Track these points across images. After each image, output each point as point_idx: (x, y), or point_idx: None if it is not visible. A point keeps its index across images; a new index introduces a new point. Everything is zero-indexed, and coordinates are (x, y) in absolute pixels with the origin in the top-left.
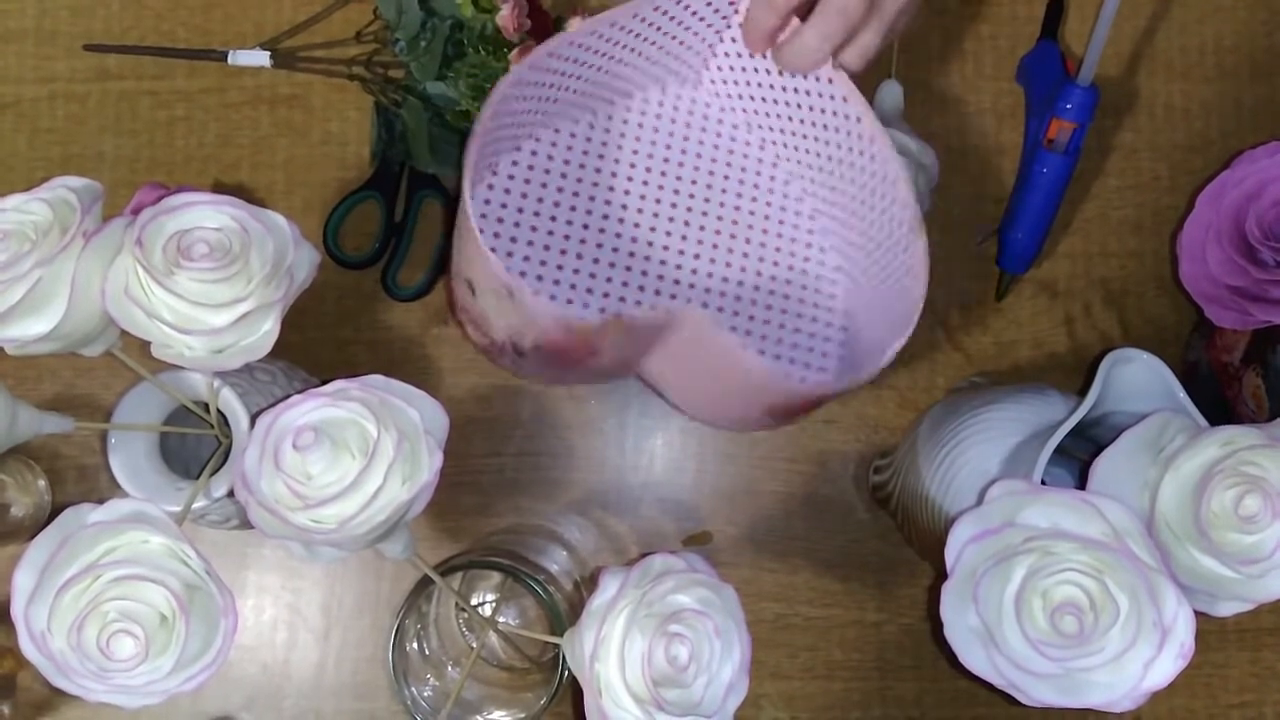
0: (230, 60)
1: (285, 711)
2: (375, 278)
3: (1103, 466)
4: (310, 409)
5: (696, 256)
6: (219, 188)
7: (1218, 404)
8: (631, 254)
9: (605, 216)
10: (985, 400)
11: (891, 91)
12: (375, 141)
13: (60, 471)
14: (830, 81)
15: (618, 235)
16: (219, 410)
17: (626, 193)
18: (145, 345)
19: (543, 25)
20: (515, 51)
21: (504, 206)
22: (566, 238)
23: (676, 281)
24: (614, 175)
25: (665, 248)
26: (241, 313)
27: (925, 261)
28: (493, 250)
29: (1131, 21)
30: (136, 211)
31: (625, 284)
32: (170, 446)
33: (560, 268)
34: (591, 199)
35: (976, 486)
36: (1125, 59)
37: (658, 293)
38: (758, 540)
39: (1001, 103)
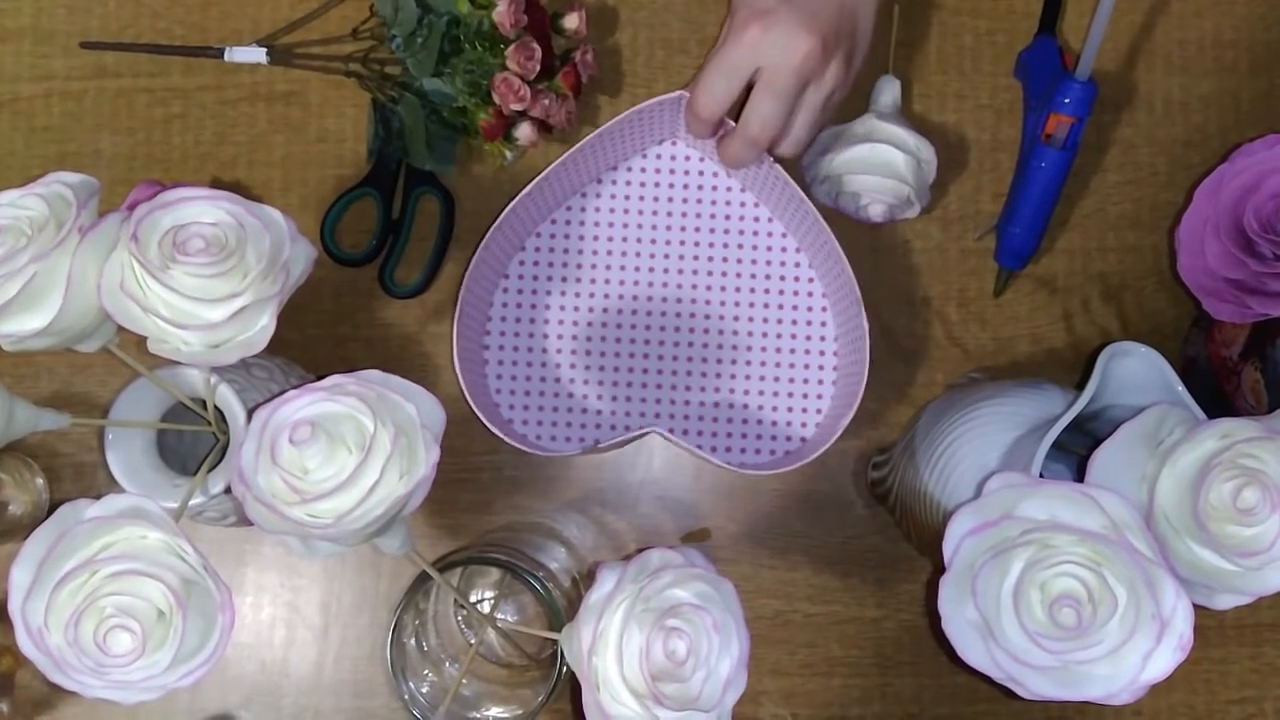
0: (227, 57)
1: (284, 709)
2: (372, 275)
3: (1101, 459)
4: (307, 404)
5: (674, 372)
6: (216, 185)
7: (1216, 399)
8: (615, 380)
9: (589, 339)
10: (983, 395)
11: (889, 87)
12: (372, 138)
13: (58, 469)
14: (772, 165)
15: (600, 367)
16: (216, 407)
17: (606, 295)
18: (142, 341)
19: (539, 21)
20: (511, 49)
21: (501, 349)
22: (557, 380)
23: (659, 398)
24: (593, 280)
25: (645, 359)
26: (238, 307)
27: (866, 344)
28: (483, 402)
29: (1129, 16)
30: (132, 207)
31: (614, 413)
32: (167, 443)
33: (541, 408)
34: (576, 322)
35: (974, 481)
36: (1123, 53)
37: (642, 414)
38: (756, 537)
39: (1000, 98)
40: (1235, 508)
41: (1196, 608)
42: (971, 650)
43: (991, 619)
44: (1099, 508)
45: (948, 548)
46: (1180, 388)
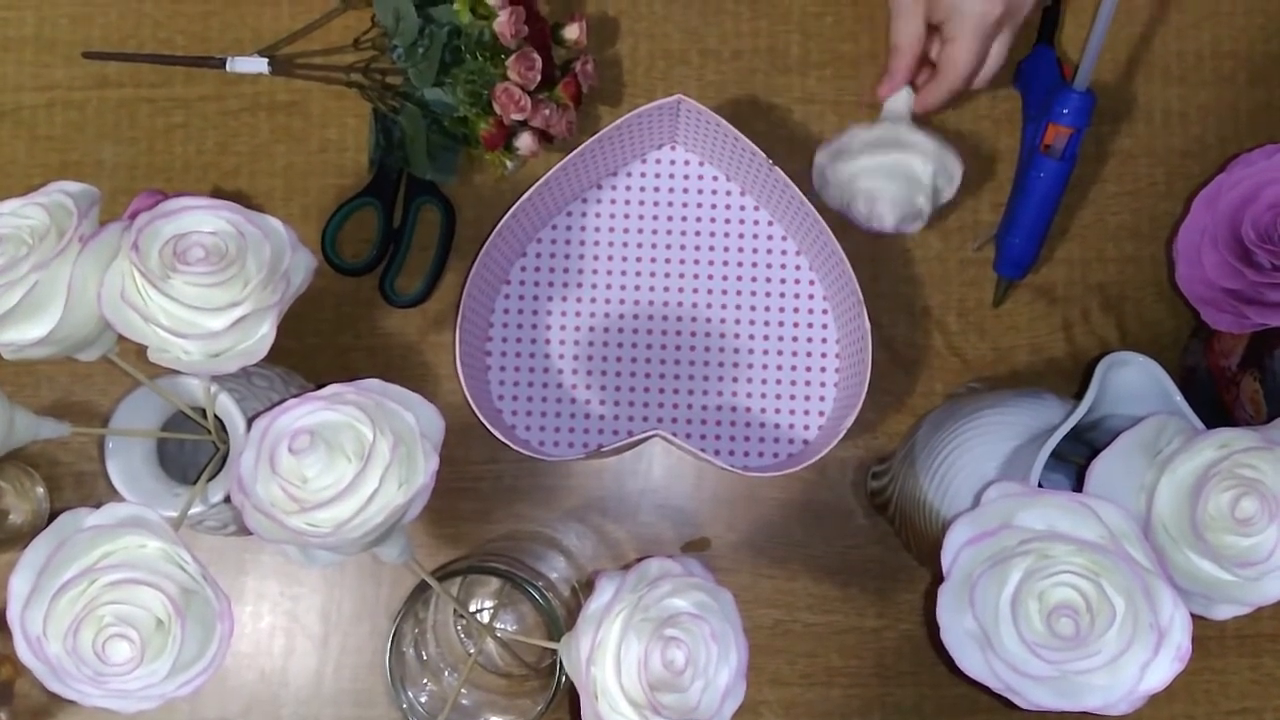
0: (229, 67)
1: (283, 718)
2: (373, 284)
3: (1099, 469)
4: (306, 412)
5: (676, 377)
6: (217, 194)
7: (1216, 409)
8: (618, 385)
9: (590, 344)
10: (982, 405)
11: (902, 95)
12: (373, 148)
13: (58, 478)
14: (772, 167)
15: (603, 372)
16: (216, 416)
17: (607, 301)
18: (142, 350)
19: (540, 32)
20: (512, 59)
21: (503, 355)
22: (559, 386)
23: (661, 403)
24: (594, 286)
25: (648, 363)
26: (238, 316)
27: (869, 346)
28: (485, 404)
29: (1128, 27)
30: (134, 217)
31: (616, 417)
32: (168, 452)
33: (544, 414)
34: (577, 328)
35: (974, 491)
36: (1122, 64)
37: (645, 419)
38: (756, 546)
39: (998, 108)
40: (1233, 518)
41: (1196, 618)
42: (970, 660)
43: (990, 629)
44: (1097, 518)
45: (946, 557)
46: (1178, 397)
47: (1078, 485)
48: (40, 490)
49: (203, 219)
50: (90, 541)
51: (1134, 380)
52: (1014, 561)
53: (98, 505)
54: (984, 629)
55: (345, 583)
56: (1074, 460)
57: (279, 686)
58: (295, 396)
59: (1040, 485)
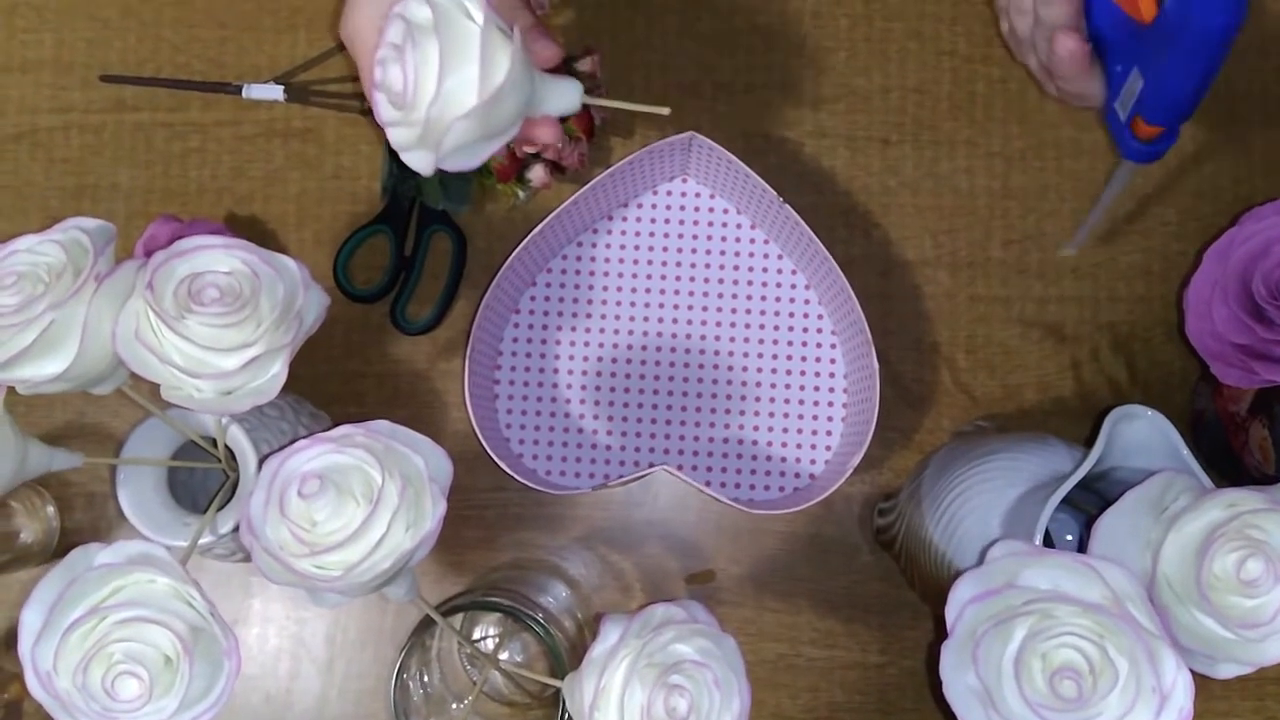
0: (244, 94)
1: None
2: (384, 311)
3: (1105, 524)
4: (315, 455)
5: (683, 409)
6: (231, 219)
7: (1224, 453)
8: (625, 417)
9: (599, 375)
10: (989, 449)
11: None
12: (386, 176)
13: (69, 498)
14: (783, 204)
15: (610, 402)
16: (227, 446)
17: (616, 332)
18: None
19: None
20: None
21: (511, 384)
22: (567, 415)
23: (668, 434)
24: (603, 316)
25: (655, 392)
26: (251, 356)
27: (876, 384)
28: (494, 436)
29: None
30: (148, 246)
31: (623, 448)
32: (178, 477)
33: (550, 443)
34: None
35: (979, 535)
36: None
37: (651, 450)
38: (761, 580)
39: (1011, 145)
40: (1238, 579)
41: (1195, 672)
42: (972, 716)
43: (992, 687)
44: (1101, 579)
45: (950, 614)
46: (1185, 452)
47: (1085, 531)
48: (51, 510)
49: (217, 259)
50: (101, 578)
51: (1142, 433)
52: (1018, 621)
53: (108, 530)
54: (986, 687)
55: (351, 609)
56: (1084, 508)
57: (283, 709)
58: (305, 425)
59: (1047, 533)
